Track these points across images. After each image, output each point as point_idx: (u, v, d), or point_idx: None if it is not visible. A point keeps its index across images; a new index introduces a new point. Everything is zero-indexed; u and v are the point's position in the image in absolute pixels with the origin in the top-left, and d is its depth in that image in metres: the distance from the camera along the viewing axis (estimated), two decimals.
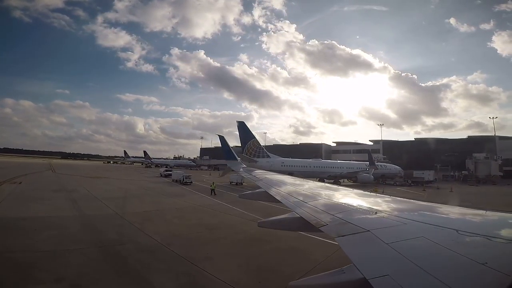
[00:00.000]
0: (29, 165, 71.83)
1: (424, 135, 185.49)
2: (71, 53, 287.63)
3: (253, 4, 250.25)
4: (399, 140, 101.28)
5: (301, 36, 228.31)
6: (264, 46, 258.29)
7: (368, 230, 3.34)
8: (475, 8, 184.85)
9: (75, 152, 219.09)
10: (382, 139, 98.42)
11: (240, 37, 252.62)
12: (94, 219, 16.01)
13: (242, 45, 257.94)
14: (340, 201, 5.41)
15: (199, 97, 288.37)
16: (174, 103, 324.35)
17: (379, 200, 5.45)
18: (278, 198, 6.62)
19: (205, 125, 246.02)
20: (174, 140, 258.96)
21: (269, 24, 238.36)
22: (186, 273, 9.13)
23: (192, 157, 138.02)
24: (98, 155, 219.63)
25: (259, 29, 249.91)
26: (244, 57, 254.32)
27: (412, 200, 5.28)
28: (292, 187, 7.87)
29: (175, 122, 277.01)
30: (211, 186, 31.64)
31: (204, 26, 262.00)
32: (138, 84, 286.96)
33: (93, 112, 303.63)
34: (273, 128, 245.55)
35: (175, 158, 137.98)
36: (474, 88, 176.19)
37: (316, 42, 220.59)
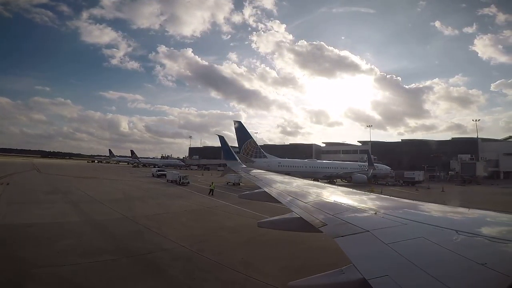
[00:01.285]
0: (10, 164, 67.21)
1: (407, 136, 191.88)
2: (53, 50, 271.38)
3: (244, 3, 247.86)
4: (386, 141, 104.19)
5: (290, 36, 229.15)
6: (253, 45, 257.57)
7: (368, 231, 3.32)
8: (460, 11, 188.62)
9: (56, 151, 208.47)
10: (368, 140, 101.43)
11: (229, 35, 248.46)
12: (106, 225, 14.99)
13: (231, 44, 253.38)
14: (339, 201, 5.37)
15: (186, 96, 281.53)
16: (160, 102, 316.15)
17: (378, 200, 5.46)
18: (277, 198, 6.63)
19: (191, 124, 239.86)
20: (159, 139, 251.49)
21: (259, 24, 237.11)
22: (237, 282, 8.66)
23: (178, 157, 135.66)
24: (80, 154, 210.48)
25: (249, 28, 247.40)
26: (233, 56, 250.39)
27: (411, 200, 5.25)
28: (291, 187, 7.90)
29: (161, 120, 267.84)
30: (210, 186, 31.15)
31: (193, 24, 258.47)
32: (123, 81, 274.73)
33: (74, 109, 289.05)
34: (261, 128, 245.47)
35: (162, 157, 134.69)
36: (455, 91, 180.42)
37: (305, 42, 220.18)
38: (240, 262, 10.21)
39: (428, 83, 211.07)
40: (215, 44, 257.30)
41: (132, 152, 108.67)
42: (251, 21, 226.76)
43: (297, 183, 8.75)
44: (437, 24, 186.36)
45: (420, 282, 2.16)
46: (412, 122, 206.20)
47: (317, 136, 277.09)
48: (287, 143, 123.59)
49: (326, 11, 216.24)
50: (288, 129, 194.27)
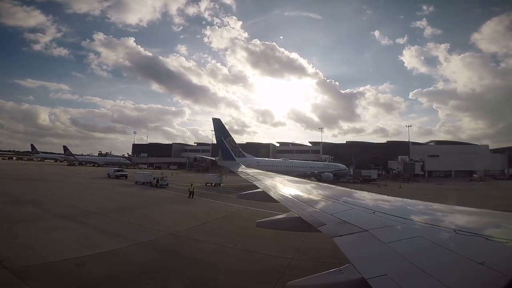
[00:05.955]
0: None
1: (340, 138, 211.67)
2: None
3: None
4: (333, 142, 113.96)
5: (246, 34, 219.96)
6: (206, 39, 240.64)
7: (366, 230, 3.38)
8: (397, 22, 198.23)
9: None
10: (311, 141, 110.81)
11: (181, 27, 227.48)
12: (167, 247, 11.90)
13: (181, 36, 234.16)
14: (337, 201, 5.50)
15: (122, 88, 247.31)
16: (90, 93, 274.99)
17: (376, 199, 5.75)
18: (276, 198, 6.76)
19: (127, 118, 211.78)
20: (88, 134, 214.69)
21: (215, 18, 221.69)
22: None
23: (123, 154, 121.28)
24: None
25: (204, 22, 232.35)
26: (182, 49, 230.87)
27: (409, 200, 5.42)
28: (289, 187, 8.24)
29: (90, 113, 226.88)
30: (189, 188, 28.02)
31: (141, 12, 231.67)
32: (45, 69, 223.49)
33: None
34: (206, 125, 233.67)
35: (100, 154, 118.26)
36: (383, 98, 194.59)
37: (258, 42, 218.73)
38: None
39: (361, 89, 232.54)
40: (163, 35, 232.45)
41: (65, 148, 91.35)
42: (206, 14, 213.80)
43: (293, 183, 9.25)
44: (377, 33, 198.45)
45: (418, 281, 2.18)
46: (345, 125, 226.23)
47: (261, 136, 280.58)
48: (244, 142, 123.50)
49: (279, 13, 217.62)
50: (235, 127, 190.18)
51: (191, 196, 26.82)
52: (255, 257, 11.00)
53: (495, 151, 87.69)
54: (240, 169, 21.97)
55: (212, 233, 14.46)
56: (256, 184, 9.80)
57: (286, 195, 6.74)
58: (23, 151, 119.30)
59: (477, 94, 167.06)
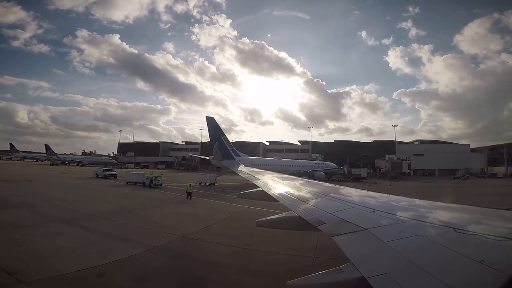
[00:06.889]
0: None
1: (326, 137, 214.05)
2: None
3: None
4: (321, 141, 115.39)
5: (235, 33, 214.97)
6: (194, 37, 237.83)
7: (366, 229, 3.39)
8: (383, 23, 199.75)
9: None
10: (299, 139, 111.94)
11: (168, 25, 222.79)
12: (187, 252, 11.51)
13: (169, 34, 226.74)
14: (337, 200, 5.55)
15: (105, 85, 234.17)
16: (72, 90, 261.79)
17: (374, 197, 5.84)
18: (275, 197, 6.81)
19: (111, 117, 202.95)
20: (69, 132, 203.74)
21: (204, 16, 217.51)
22: None
23: (109, 153, 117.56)
24: None
25: (192, 20, 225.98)
26: (169, 46, 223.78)
27: (408, 198, 5.39)
28: (288, 186, 8.32)
29: (72, 111, 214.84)
30: (187, 189, 26.74)
31: (127, 9, 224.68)
32: (25, 66, 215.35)
33: None
34: (192, 124, 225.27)
35: (84, 154, 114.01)
36: (368, 98, 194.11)
37: (248, 40, 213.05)
38: None
39: (347, 89, 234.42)
40: (149, 33, 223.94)
41: (47, 147, 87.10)
42: (195, 12, 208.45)
43: (293, 182, 9.26)
44: (363, 33, 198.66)
45: (418, 280, 2.19)
46: (331, 124, 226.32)
47: (249, 134, 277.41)
48: (234, 140, 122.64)
49: (268, 12, 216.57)
50: (223, 126, 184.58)
51: (189, 197, 25.83)
52: (277, 258, 10.89)
53: (474, 150, 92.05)
54: (239, 168, 21.93)
55: (223, 234, 14.17)
56: (256, 183, 9.67)
57: (286, 194, 6.68)
58: (0, 150, 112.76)
59: (457, 95, 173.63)
